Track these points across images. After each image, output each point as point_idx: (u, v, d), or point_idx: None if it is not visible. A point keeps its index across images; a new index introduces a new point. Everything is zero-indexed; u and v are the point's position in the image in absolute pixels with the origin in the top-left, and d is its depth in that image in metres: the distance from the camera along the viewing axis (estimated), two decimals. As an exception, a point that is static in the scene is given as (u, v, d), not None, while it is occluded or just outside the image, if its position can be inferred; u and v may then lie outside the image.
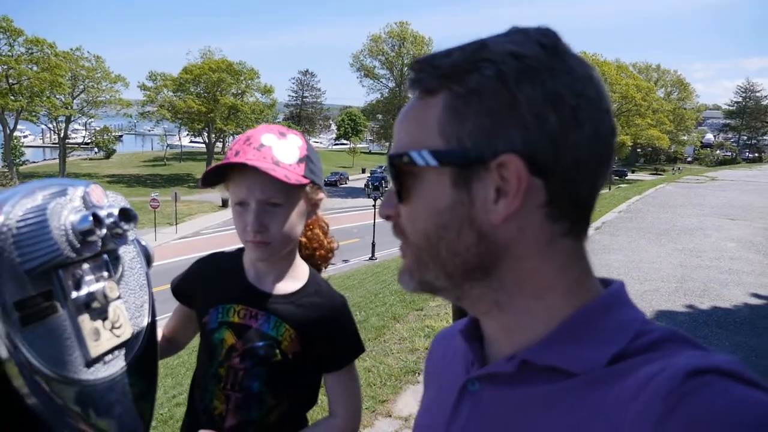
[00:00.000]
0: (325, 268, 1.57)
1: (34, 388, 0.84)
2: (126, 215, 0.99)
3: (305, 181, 1.32)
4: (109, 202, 1.00)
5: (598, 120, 0.61)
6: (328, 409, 1.43)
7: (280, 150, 1.30)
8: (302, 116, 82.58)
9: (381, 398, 4.24)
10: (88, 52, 52.57)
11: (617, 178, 62.17)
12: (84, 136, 66.76)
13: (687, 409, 0.47)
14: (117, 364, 0.99)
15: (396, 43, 60.85)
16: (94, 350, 0.94)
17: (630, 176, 67.41)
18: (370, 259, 24.77)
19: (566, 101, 0.59)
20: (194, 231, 35.31)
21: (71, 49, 51.16)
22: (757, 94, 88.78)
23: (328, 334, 1.39)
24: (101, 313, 0.96)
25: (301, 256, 1.49)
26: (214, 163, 1.32)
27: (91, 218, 0.91)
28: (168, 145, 71.00)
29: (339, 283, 13.86)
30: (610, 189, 30.95)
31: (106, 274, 0.99)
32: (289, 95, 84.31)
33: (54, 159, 63.53)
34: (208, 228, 37.04)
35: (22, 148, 59.78)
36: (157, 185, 49.17)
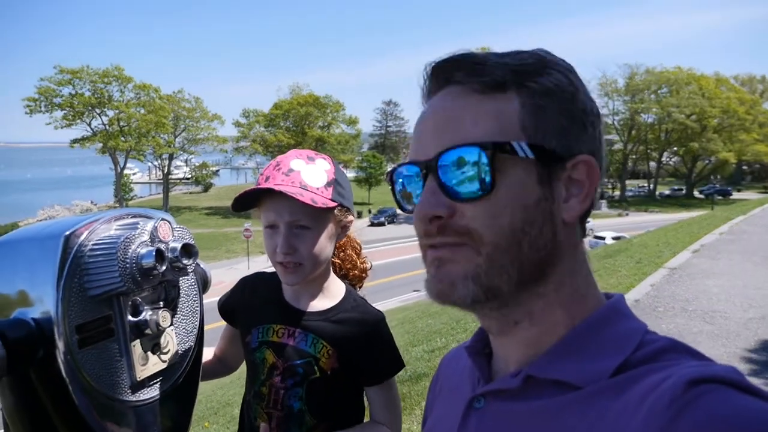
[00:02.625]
0: (360, 287, 1.59)
1: (85, 406, 0.93)
2: (188, 251, 1.07)
3: (332, 204, 1.34)
4: (175, 236, 1.08)
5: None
6: (371, 416, 1.45)
7: (308, 174, 1.34)
8: (386, 145, 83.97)
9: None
10: (188, 93, 56.82)
11: (720, 197, 57.88)
12: (185, 172, 71.64)
13: (690, 417, 0.47)
14: (160, 388, 1.06)
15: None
16: (141, 374, 1.01)
17: (735, 195, 62.51)
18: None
19: (600, 117, 0.67)
20: (284, 259, 36.37)
21: (174, 92, 55.50)
22: None
23: (365, 349, 1.39)
24: (152, 339, 1.04)
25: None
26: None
27: (154, 254, 0.99)
28: (260, 178, 74.20)
29: (423, 310, 13.80)
30: (713, 209, 28.86)
31: (162, 303, 1.08)
32: (374, 125, 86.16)
33: (158, 194, 68.35)
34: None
35: (131, 185, 64.86)
36: (251, 216, 51.30)
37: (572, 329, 0.64)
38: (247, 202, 1.37)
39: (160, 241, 1.02)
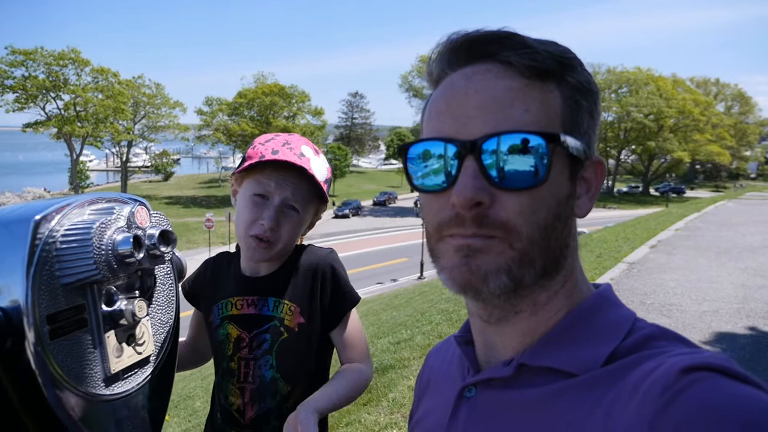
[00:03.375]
0: None
1: (55, 400, 0.88)
2: (166, 238, 1.02)
3: (327, 199, 1.41)
4: (152, 223, 1.03)
5: None
6: (341, 361, 1.44)
7: (317, 165, 1.36)
8: (352, 137, 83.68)
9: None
10: (149, 79, 55.33)
11: (675, 195, 59.83)
12: (144, 160, 69.89)
13: (682, 405, 0.47)
14: (134, 380, 1.02)
15: (444, 63, 60.80)
16: (115, 366, 0.97)
17: (688, 193, 64.75)
18: (418, 278, 24.64)
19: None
20: (246, 250, 36.00)
21: (134, 77, 53.88)
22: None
23: (320, 283, 1.39)
24: (127, 330, 1.00)
25: None
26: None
27: (131, 241, 0.94)
28: (223, 167, 73.22)
29: (386, 302, 13.82)
30: (668, 206, 29.81)
31: (137, 292, 1.03)
32: (339, 117, 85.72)
33: (117, 182, 66.50)
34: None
35: (88, 172, 62.86)
36: (212, 206, 50.59)
37: (564, 318, 0.65)
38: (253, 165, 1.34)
39: (138, 228, 0.97)
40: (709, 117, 62.55)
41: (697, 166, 78.34)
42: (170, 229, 1.04)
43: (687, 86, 67.29)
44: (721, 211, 15.18)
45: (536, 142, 0.58)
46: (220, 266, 1.53)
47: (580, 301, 0.66)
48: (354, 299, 1.45)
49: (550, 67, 0.61)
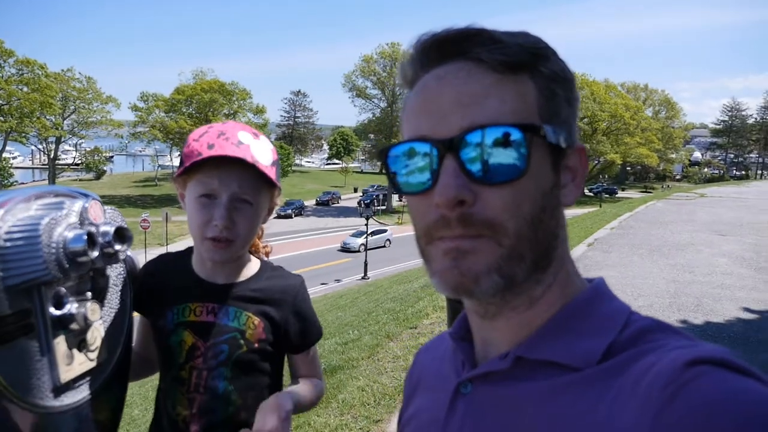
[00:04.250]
0: None
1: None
2: (121, 235, 0.95)
3: (278, 184, 1.32)
4: (107, 219, 0.95)
5: None
6: (293, 377, 1.42)
7: (258, 150, 1.27)
8: (294, 136, 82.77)
9: (375, 418, 4.15)
10: (79, 73, 52.78)
11: (608, 196, 62.47)
12: (74, 157, 66.53)
13: (686, 398, 0.47)
14: (86, 390, 0.93)
15: (387, 64, 61.08)
16: (65, 375, 0.88)
17: (620, 194, 67.82)
18: (362, 278, 24.63)
19: None
20: (185, 251, 34.98)
21: (62, 70, 51.34)
22: (743, 113, 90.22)
23: (292, 314, 1.37)
24: (78, 335, 0.91)
25: None
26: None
27: (85, 238, 0.86)
28: (159, 166, 70.83)
29: (331, 302, 13.71)
30: (601, 206, 31.08)
31: (89, 293, 0.94)
32: (281, 115, 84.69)
33: (43, 180, 63.10)
34: (199, 248, 36.66)
35: (11, 170, 59.41)
36: (148, 206, 48.91)
37: (560, 310, 0.64)
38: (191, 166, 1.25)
39: (91, 224, 0.89)
40: (638, 121, 65.66)
41: (628, 168, 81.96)
42: (125, 225, 0.96)
43: (618, 91, 70.33)
44: (651, 211, 15.94)
45: (514, 133, 0.57)
46: (167, 268, 1.43)
47: (576, 294, 0.66)
48: (320, 332, 1.46)
49: (522, 59, 0.61)
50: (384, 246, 35.15)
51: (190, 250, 1.43)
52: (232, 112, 58.36)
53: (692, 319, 6.15)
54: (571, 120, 0.64)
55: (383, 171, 0.66)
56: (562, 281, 0.66)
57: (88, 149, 64.27)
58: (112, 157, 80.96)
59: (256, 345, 1.32)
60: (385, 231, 36.86)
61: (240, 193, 1.24)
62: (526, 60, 0.61)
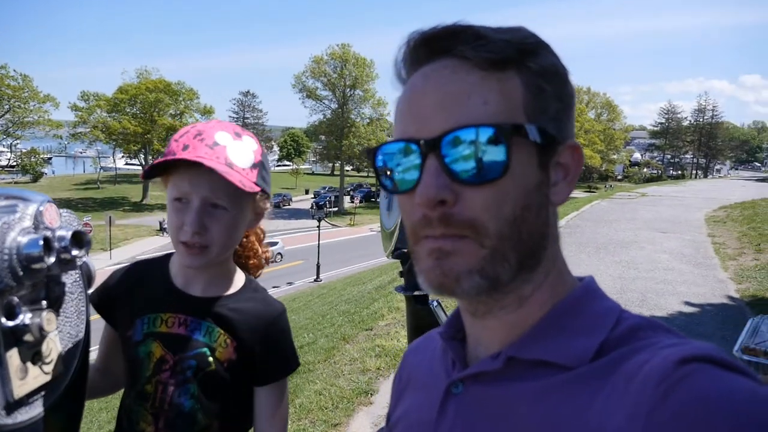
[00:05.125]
0: (256, 278, 1.46)
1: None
2: (79, 240, 0.89)
3: (256, 189, 1.22)
4: (63, 222, 0.89)
5: None
6: (254, 426, 1.32)
7: (235, 152, 1.20)
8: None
9: (333, 422, 4.11)
10: (14, 70, 50.27)
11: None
12: (9, 159, 63.32)
13: (678, 396, 0.48)
14: (40, 405, 0.87)
15: (338, 65, 60.75)
16: (19, 390, 0.81)
17: (566, 193, 69.91)
18: (315, 280, 24.45)
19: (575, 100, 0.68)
20: (130, 256, 33.83)
21: (-5, 68, 48.67)
22: (678, 116, 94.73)
23: (264, 342, 1.28)
24: (32, 347, 0.85)
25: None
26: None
27: (41, 243, 0.80)
28: (102, 168, 68.25)
29: (285, 305, 13.52)
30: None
31: (44, 302, 0.88)
32: (230, 116, 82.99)
33: (-25, 183, 59.73)
34: (145, 253, 35.59)
35: (-61, 172, 56.08)
36: (90, 209, 47.13)
37: (552, 309, 0.64)
38: (156, 171, 1.19)
39: (47, 228, 0.83)
40: (582, 123, 68.00)
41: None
42: (83, 229, 0.90)
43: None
44: (596, 210, 16.48)
45: (494, 134, 0.57)
46: (143, 275, 1.35)
47: (567, 293, 0.66)
48: (291, 367, 1.35)
49: (508, 55, 0.60)
50: (275, 261, 29.64)
51: (168, 256, 1.35)
52: (178, 112, 56.93)
53: (638, 314, 6.38)
54: (562, 116, 0.64)
55: (371, 170, 0.67)
56: (553, 280, 0.65)
57: (24, 150, 61.25)
58: (50, 158, 77.54)
59: (225, 365, 1.25)
60: (275, 243, 30.86)
61: (212, 198, 1.17)
62: (513, 56, 0.60)
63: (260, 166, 1.25)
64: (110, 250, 31.78)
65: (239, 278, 1.35)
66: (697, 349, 0.52)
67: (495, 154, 0.57)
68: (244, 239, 1.41)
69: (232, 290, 1.32)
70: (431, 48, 0.63)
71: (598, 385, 0.56)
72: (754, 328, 3.45)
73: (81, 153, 79.80)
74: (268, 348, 1.29)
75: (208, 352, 1.24)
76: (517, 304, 0.64)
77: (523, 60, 0.61)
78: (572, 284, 0.68)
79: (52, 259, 0.82)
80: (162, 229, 39.46)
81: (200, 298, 1.28)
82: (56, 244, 0.83)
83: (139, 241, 38.45)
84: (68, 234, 0.86)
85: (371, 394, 4.56)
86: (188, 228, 1.15)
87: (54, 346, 0.89)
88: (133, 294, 1.33)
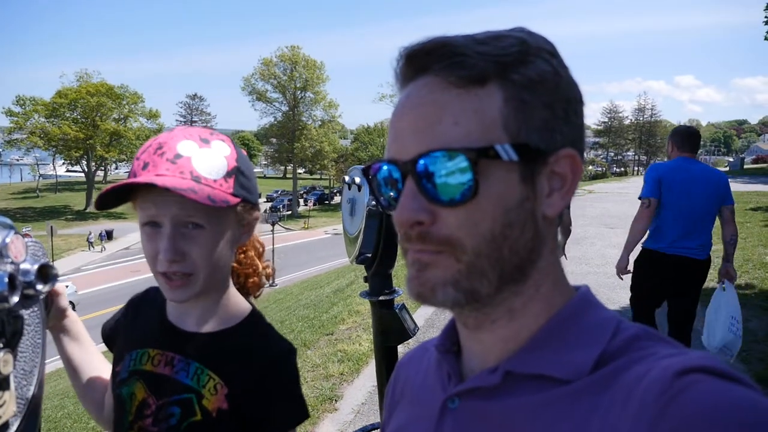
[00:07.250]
0: (256, 297, 1.29)
1: None
2: (45, 274, 0.81)
3: (234, 200, 1.04)
4: (28, 254, 0.81)
5: None
6: None
7: (202, 161, 1.02)
8: (191, 141, 79.37)
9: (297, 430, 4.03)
10: (-59, 74, 47.44)
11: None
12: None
13: (679, 408, 0.48)
14: None
15: (288, 67, 60.11)
16: None
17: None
18: (270, 285, 24.10)
19: (582, 101, 0.65)
20: (74, 267, 32.54)
21: None
22: (620, 115, 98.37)
23: (262, 390, 1.09)
24: (-16, 388, 0.76)
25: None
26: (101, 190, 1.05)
27: (6, 281, 0.72)
28: (41, 175, 65.34)
29: (293, 346, 13.22)
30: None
31: (1, 341, 0.79)
32: (177, 120, 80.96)
33: None
34: (90, 263, 34.29)
35: None
36: (29, 219, 45.09)
37: (548, 322, 0.63)
38: (116, 196, 1.03)
39: (12, 263, 0.75)
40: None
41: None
42: (50, 263, 0.82)
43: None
44: (547, 207, 16.87)
45: (460, 158, 0.57)
46: (143, 305, 1.22)
47: (562, 304, 0.64)
48: (302, 416, 1.15)
49: (484, 70, 0.58)
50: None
51: None
52: (122, 116, 55.13)
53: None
54: (553, 125, 0.60)
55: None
56: (547, 292, 0.64)
57: (-46, 159, 58.04)
58: (-17, 167, 73.57)
59: (214, 415, 1.06)
60: (67, 287, 24.56)
61: (184, 216, 1.01)
62: (490, 70, 0.58)
63: (236, 172, 1.07)
64: (53, 260, 30.41)
65: (241, 309, 1.17)
66: (696, 360, 0.51)
67: (462, 177, 0.57)
68: (242, 255, 1.26)
69: (230, 324, 1.14)
70: (412, 66, 0.62)
71: (597, 399, 0.55)
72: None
73: (17, 160, 76.10)
74: (266, 396, 1.09)
75: (195, 399, 1.07)
76: (508, 318, 0.63)
77: (505, 72, 0.59)
78: (568, 295, 0.66)
79: (16, 299, 0.74)
80: (90, 243, 37.58)
81: (192, 333, 1.12)
82: (20, 278, 0.75)
83: (83, 251, 36.98)
84: (34, 268, 0.78)
85: (335, 400, 4.50)
86: (163, 256, 1.00)
87: (10, 389, 0.81)
88: (131, 326, 1.21)
